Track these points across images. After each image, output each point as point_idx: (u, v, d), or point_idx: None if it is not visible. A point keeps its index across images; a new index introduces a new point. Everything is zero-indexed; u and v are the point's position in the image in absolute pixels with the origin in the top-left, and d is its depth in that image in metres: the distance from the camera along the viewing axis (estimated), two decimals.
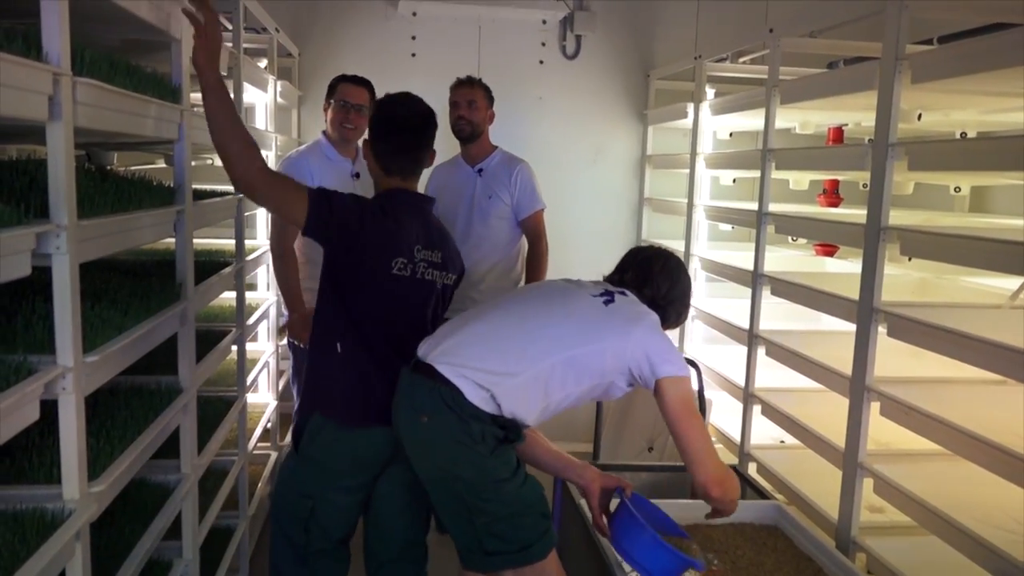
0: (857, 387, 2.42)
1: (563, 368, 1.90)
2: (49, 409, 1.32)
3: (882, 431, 2.55)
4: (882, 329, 2.38)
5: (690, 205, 3.88)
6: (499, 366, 1.88)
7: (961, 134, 3.16)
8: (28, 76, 1.16)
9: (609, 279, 2.20)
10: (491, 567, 1.90)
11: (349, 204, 2.02)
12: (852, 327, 2.49)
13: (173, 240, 2.01)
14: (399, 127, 2.11)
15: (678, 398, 1.92)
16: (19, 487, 1.36)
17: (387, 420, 2.00)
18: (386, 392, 2.01)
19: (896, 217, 2.42)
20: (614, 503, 2.08)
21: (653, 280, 2.13)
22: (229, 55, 2.53)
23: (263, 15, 3.19)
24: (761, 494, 2.71)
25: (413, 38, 4.27)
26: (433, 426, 1.87)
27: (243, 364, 2.77)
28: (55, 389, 1.30)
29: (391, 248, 2.02)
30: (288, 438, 3.59)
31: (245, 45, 2.79)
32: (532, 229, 3.26)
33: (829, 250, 3.86)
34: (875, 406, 2.39)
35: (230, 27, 2.69)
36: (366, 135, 2.19)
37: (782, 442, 3.27)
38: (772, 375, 3.17)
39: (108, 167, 2.41)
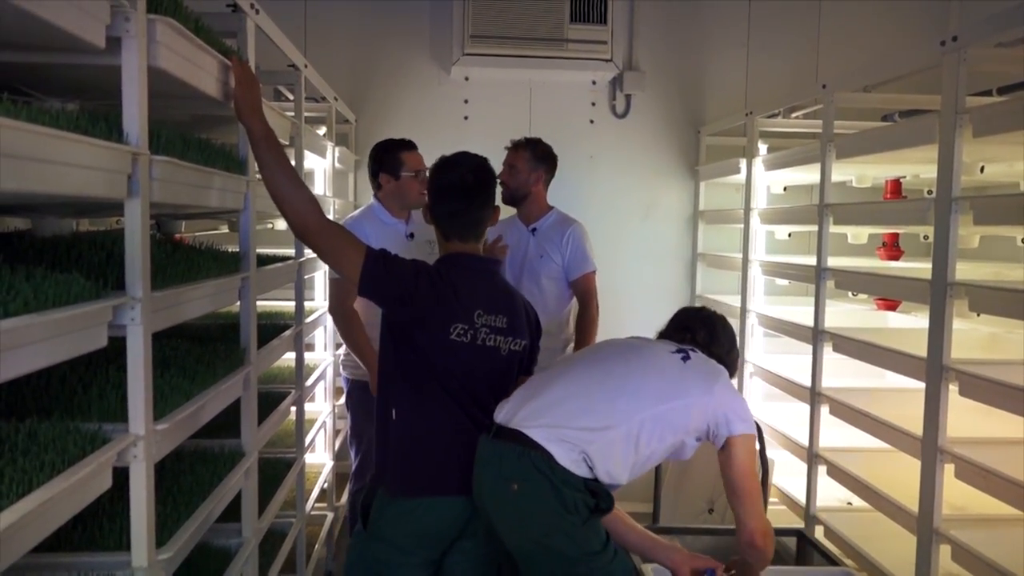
0: (929, 448, 2.33)
1: (651, 424, 1.89)
2: (118, 474, 1.34)
3: (957, 493, 2.45)
4: (953, 387, 2.30)
5: (745, 260, 3.84)
6: (591, 423, 1.86)
7: None
8: (110, 157, 1.22)
9: (670, 337, 2.20)
10: None
11: (406, 269, 1.96)
12: (918, 384, 2.41)
13: (237, 304, 2.06)
14: (452, 190, 2.05)
15: (746, 456, 1.98)
16: (90, 554, 1.39)
17: (448, 490, 1.95)
18: (442, 461, 1.95)
19: (963, 271, 2.35)
20: None
21: (719, 339, 2.18)
22: (291, 124, 2.63)
23: (322, 85, 3.30)
24: (830, 560, 2.61)
25: (466, 101, 4.37)
26: (525, 494, 1.82)
27: (302, 425, 2.79)
28: (127, 457, 1.33)
29: (448, 314, 1.94)
30: (344, 498, 3.61)
31: (306, 114, 2.89)
32: (582, 291, 3.24)
33: (891, 304, 3.77)
34: (949, 468, 2.30)
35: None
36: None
37: (849, 504, 3.15)
38: (835, 434, 3.08)
39: (176, 235, 2.50)
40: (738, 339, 2.33)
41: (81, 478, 1.15)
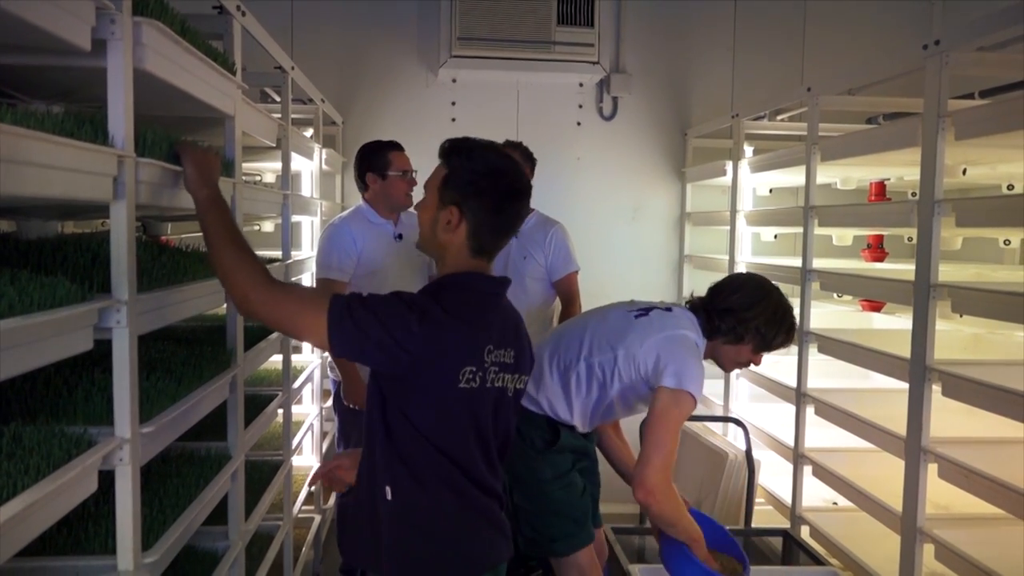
0: (913, 448, 2.36)
1: (586, 375, 2.20)
2: (104, 477, 1.34)
3: (940, 493, 2.47)
4: (936, 388, 2.32)
5: (732, 262, 3.86)
6: (542, 384, 2.24)
7: (1008, 186, 3.12)
8: (96, 160, 1.22)
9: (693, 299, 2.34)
10: (531, 551, 2.30)
11: (391, 310, 1.50)
12: (902, 384, 2.43)
13: (224, 306, 2.05)
14: (519, 195, 1.61)
15: (665, 407, 2.04)
16: (75, 558, 1.38)
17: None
18: (452, 547, 1.59)
19: (945, 272, 2.38)
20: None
21: (720, 291, 2.25)
22: (278, 126, 2.62)
23: (309, 87, 3.30)
24: (816, 559, 2.63)
25: (453, 103, 4.38)
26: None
27: (289, 428, 2.79)
28: (112, 460, 1.32)
29: (457, 359, 1.53)
30: (331, 501, 3.60)
31: (293, 116, 2.88)
32: (566, 291, 3.28)
33: (876, 305, 3.80)
34: (932, 468, 2.32)
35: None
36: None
37: (835, 504, 3.18)
38: (821, 434, 3.10)
39: (163, 237, 2.49)
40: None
41: (66, 482, 1.15)
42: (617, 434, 2.52)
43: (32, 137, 1.04)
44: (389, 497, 1.55)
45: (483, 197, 1.58)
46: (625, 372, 2.15)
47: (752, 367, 3.55)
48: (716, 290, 2.26)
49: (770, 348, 2.24)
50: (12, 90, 1.57)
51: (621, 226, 4.54)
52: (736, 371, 3.77)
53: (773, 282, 2.32)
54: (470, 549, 1.61)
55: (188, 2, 1.78)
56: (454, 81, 4.36)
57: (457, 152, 1.62)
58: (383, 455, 1.57)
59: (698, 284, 4.45)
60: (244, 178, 2.10)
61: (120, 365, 1.33)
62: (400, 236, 3.16)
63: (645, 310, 2.23)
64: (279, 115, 2.72)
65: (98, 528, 1.45)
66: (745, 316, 2.18)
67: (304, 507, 3.28)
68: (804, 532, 2.99)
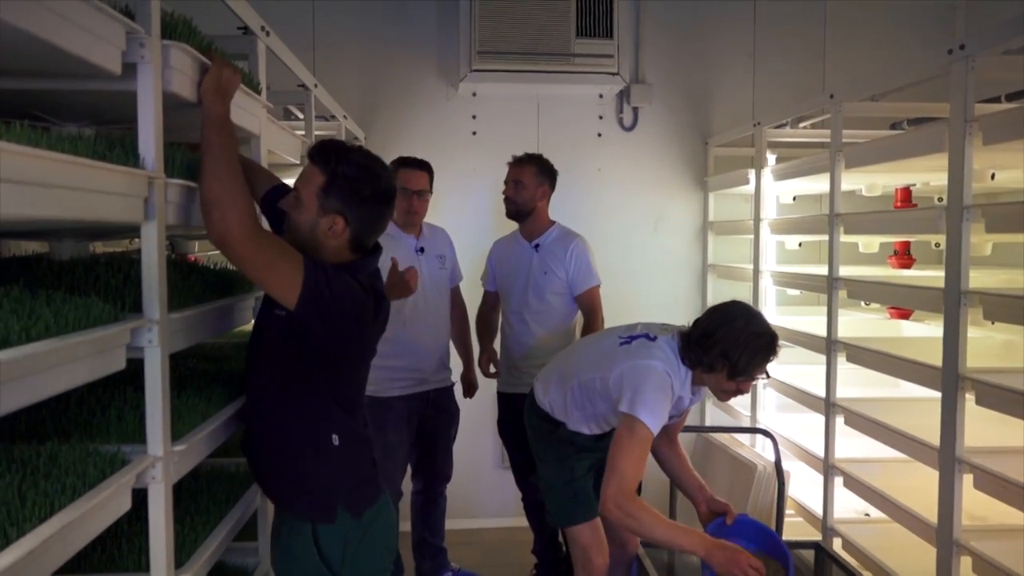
0: (947, 459, 2.32)
1: (579, 391, 2.45)
2: (136, 493, 1.35)
3: (976, 503, 2.43)
4: (969, 397, 2.28)
5: (756, 271, 3.84)
6: (549, 389, 2.58)
7: None
8: (128, 182, 1.24)
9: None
10: (551, 522, 2.68)
11: (350, 283, 1.68)
12: (933, 393, 2.40)
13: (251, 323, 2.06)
14: (393, 196, 1.79)
15: (620, 432, 2.20)
16: None
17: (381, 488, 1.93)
18: (373, 466, 1.92)
19: (975, 278, 2.34)
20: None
21: (696, 321, 2.31)
22: (301, 143, 2.64)
23: (332, 103, 3.33)
24: (849, 572, 2.59)
25: (474, 117, 4.40)
26: (527, 417, 2.71)
27: None
28: (145, 478, 1.33)
29: (380, 328, 1.85)
30: None
31: (316, 132, 2.91)
32: (587, 305, 3.25)
33: (904, 313, 3.75)
34: (967, 478, 2.28)
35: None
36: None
37: (867, 515, 3.13)
38: (851, 444, 3.06)
39: (190, 255, 2.52)
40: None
41: (101, 500, 1.16)
42: (673, 449, 2.59)
43: (68, 161, 1.06)
44: (337, 443, 1.76)
45: (365, 205, 1.70)
46: (603, 393, 2.36)
47: (780, 377, 3.54)
48: (696, 320, 2.33)
49: (740, 373, 2.21)
50: (44, 114, 1.60)
51: (643, 237, 4.53)
52: (763, 381, 3.74)
53: (751, 306, 2.40)
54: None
55: (214, 23, 1.81)
56: (474, 95, 4.38)
57: (336, 159, 1.68)
58: (326, 411, 1.75)
59: (722, 294, 4.43)
60: None
61: (152, 384, 1.35)
62: (422, 249, 3.17)
63: (631, 338, 2.37)
64: (303, 132, 2.75)
65: (131, 546, 1.46)
66: (708, 343, 2.21)
67: None
68: (836, 544, 2.95)
